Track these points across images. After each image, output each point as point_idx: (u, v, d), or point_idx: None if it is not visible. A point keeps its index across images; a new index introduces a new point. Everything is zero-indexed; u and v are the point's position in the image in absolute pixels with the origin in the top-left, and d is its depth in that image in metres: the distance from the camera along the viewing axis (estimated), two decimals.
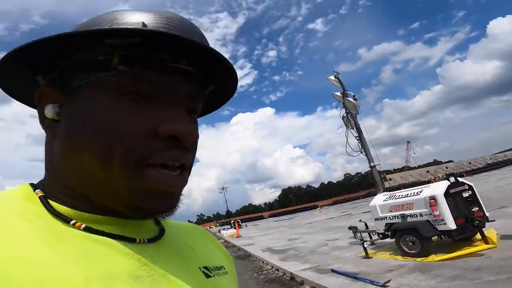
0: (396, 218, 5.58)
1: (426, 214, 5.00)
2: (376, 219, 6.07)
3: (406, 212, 5.36)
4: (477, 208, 5.01)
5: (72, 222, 0.31)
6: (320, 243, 9.35)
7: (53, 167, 0.36)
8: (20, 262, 0.26)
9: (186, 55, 0.33)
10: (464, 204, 4.99)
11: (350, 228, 7.19)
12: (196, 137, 0.36)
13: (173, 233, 0.42)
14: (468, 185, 5.24)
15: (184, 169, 0.35)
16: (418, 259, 4.88)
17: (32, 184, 0.36)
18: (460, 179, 5.30)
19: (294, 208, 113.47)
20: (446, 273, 4.04)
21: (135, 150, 0.31)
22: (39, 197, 0.33)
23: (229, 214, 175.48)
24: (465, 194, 5.07)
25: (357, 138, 7.39)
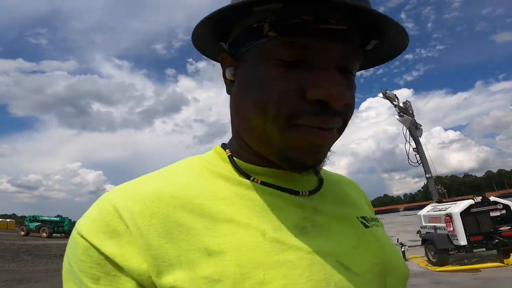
0: (431, 228, 6.03)
1: (445, 229, 5.39)
2: (421, 227, 6.58)
3: (437, 225, 5.79)
4: (508, 227, 4.92)
5: (251, 178, 0.37)
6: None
7: (233, 124, 0.42)
8: (217, 211, 0.33)
9: (336, 13, 0.32)
10: (490, 222, 5.03)
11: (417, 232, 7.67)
12: (348, 99, 0.34)
13: (330, 184, 0.44)
14: (504, 204, 5.11)
15: (335, 128, 0.36)
16: (432, 267, 5.40)
17: (223, 144, 0.43)
18: (493, 199, 5.22)
19: (445, 201, 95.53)
20: (440, 283, 4.69)
21: (285, 109, 0.33)
22: (228, 156, 0.39)
23: None
24: (495, 214, 5.05)
25: (415, 150, 7.49)
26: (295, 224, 0.34)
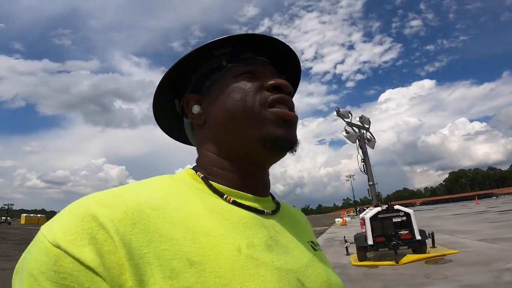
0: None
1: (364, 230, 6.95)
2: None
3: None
4: (407, 232, 6.43)
5: (224, 196, 0.41)
6: None
7: (204, 152, 0.46)
8: (195, 225, 0.34)
9: (264, 51, 0.49)
10: (392, 227, 6.56)
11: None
12: (291, 89, 0.46)
13: (284, 210, 0.50)
14: (405, 212, 6.61)
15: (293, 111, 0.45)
16: (356, 262, 6.95)
17: (193, 168, 0.46)
18: (397, 207, 6.73)
19: (461, 195, 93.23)
20: (349, 275, 6.30)
21: (259, 97, 0.43)
22: (201, 177, 0.43)
23: (379, 199, 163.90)
24: (396, 219, 6.57)
25: (362, 160, 8.93)
26: (263, 242, 0.37)
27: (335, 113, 9.17)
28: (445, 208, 37.20)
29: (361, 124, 9.55)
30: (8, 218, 45.29)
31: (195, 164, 0.48)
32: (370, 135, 9.62)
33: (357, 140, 8.98)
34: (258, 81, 0.45)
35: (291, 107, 0.45)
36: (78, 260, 0.27)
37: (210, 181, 0.42)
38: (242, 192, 0.42)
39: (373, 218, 6.67)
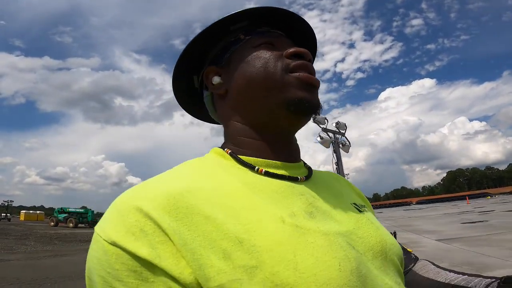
0: None
1: None
2: None
3: None
4: None
5: (256, 168, 0.40)
6: None
7: (229, 123, 0.47)
8: (234, 202, 0.34)
9: (280, 24, 0.50)
10: None
11: None
12: (311, 58, 0.46)
13: (318, 175, 0.49)
14: None
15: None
16: None
17: (220, 147, 0.47)
18: None
19: (456, 195, 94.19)
20: None
21: (280, 63, 0.44)
22: (229, 153, 0.43)
23: (377, 198, 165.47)
24: None
25: (336, 163, 9.76)
26: (304, 210, 0.36)
27: (311, 119, 9.90)
28: (435, 208, 37.99)
29: (337, 130, 10.35)
30: (8, 214, 45.22)
31: (223, 141, 0.48)
32: (346, 140, 10.40)
33: (331, 145, 9.80)
34: (278, 50, 0.46)
35: (312, 72, 0.45)
36: (134, 255, 0.28)
37: (238, 155, 0.42)
38: (272, 161, 0.42)
39: None
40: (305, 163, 0.49)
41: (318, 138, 9.77)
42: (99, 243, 0.30)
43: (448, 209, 29.20)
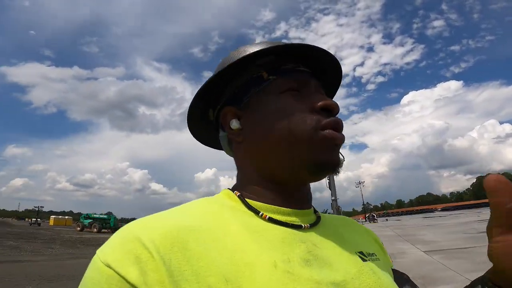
0: None
1: None
2: None
3: None
4: None
5: (260, 213, 0.40)
6: None
7: (243, 169, 0.46)
8: (231, 243, 0.35)
9: (304, 60, 0.46)
10: None
11: None
12: (339, 109, 0.44)
13: (327, 222, 0.48)
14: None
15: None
16: None
17: (230, 189, 0.46)
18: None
19: (482, 202, 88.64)
20: None
21: (310, 121, 0.41)
22: (238, 196, 0.43)
23: (400, 204, 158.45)
24: None
25: (327, 178, 10.35)
26: (301, 257, 0.36)
27: None
28: (458, 216, 36.50)
29: None
30: (38, 219, 47.97)
31: (235, 183, 0.48)
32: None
33: None
34: (305, 100, 0.43)
35: (340, 128, 0.43)
36: (124, 278, 0.30)
37: (246, 199, 0.43)
38: (279, 207, 0.42)
39: None
40: (316, 210, 0.49)
41: None
42: (96, 264, 0.32)
43: (468, 217, 28.15)
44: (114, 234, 0.35)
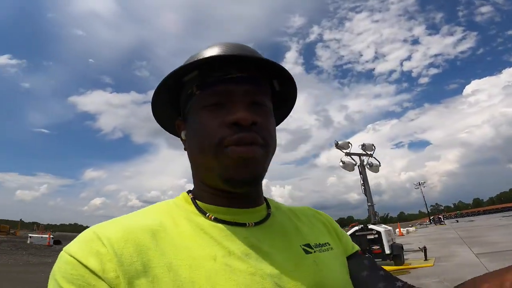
0: None
1: None
2: None
3: None
4: (377, 247, 7.97)
5: (207, 214, 0.46)
6: None
7: (193, 173, 0.51)
8: (178, 240, 0.41)
9: (236, 66, 0.46)
10: (366, 243, 8.14)
11: None
12: (254, 118, 0.44)
13: (281, 216, 0.52)
14: (377, 231, 8.14)
15: (256, 144, 0.44)
16: None
17: (189, 191, 0.52)
18: (370, 226, 8.30)
19: None
20: None
21: (214, 139, 0.43)
22: (191, 198, 0.49)
23: (478, 203, 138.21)
24: (370, 237, 8.15)
25: (362, 184, 10.31)
26: (241, 252, 0.42)
27: (334, 146, 10.76)
28: None
29: (363, 152, 10.88)
30: None
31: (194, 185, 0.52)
32: (375, 160, 10.87)
33: (358, 168, 10.40)
34: (222, 114, 0.45)
35: (252, 141, 0.43)
36: (86, 266, 0.36)
37: (197, 201, 0.48)
38: (225, 208, 0.47)
39: (352, 236, 8.30)
40: (268, 206, 0.53)
41: (341, 163, 10.42)
42: (63, 257, 0.38)
43: None
44: (79, 234, 0.41)
